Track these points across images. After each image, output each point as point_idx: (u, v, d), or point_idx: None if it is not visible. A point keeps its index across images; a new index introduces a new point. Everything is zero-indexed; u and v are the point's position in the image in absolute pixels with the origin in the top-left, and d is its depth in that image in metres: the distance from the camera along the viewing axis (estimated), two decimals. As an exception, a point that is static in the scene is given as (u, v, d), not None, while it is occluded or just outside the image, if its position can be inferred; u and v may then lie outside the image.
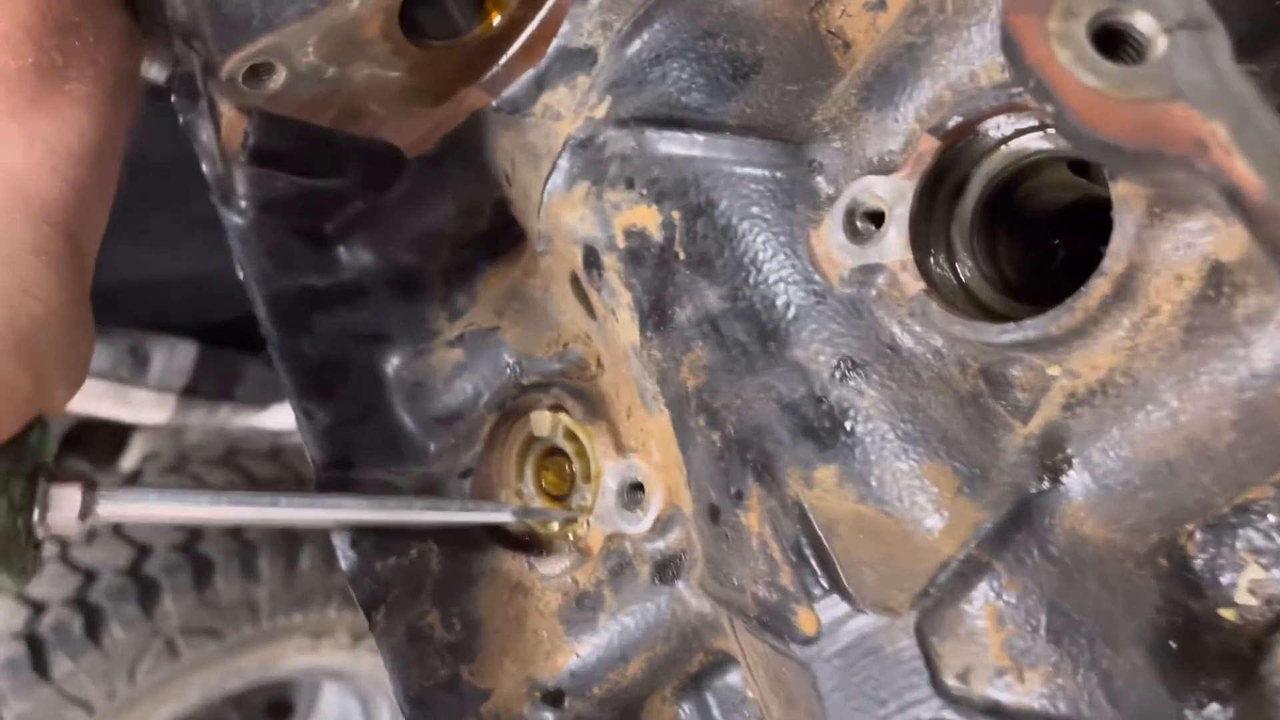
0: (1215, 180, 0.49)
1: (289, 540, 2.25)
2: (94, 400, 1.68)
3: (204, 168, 0.91)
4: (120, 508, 0.74)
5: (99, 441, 2.64)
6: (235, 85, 0.76)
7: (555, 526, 0.88)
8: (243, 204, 0.92)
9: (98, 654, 2.02)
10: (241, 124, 0.85)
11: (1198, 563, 0.66)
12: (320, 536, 2.10)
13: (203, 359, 1.72)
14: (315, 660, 2.35)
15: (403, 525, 0.85)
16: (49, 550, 2.12)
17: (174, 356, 1.69)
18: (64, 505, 0.71)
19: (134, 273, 1.55)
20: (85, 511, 0.71)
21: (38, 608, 2.03)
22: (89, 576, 2.08)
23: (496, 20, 0.82)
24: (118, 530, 2.17)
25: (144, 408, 1.72)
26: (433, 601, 0.86)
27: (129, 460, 2.74)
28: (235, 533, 2.21)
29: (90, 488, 0.72)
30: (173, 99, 0.92)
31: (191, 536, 2.17)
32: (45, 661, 2.00)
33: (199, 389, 1.74)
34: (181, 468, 2.41)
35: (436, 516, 0.84)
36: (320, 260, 0.94)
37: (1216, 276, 0.59)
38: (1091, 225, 0.77)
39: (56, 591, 2.06)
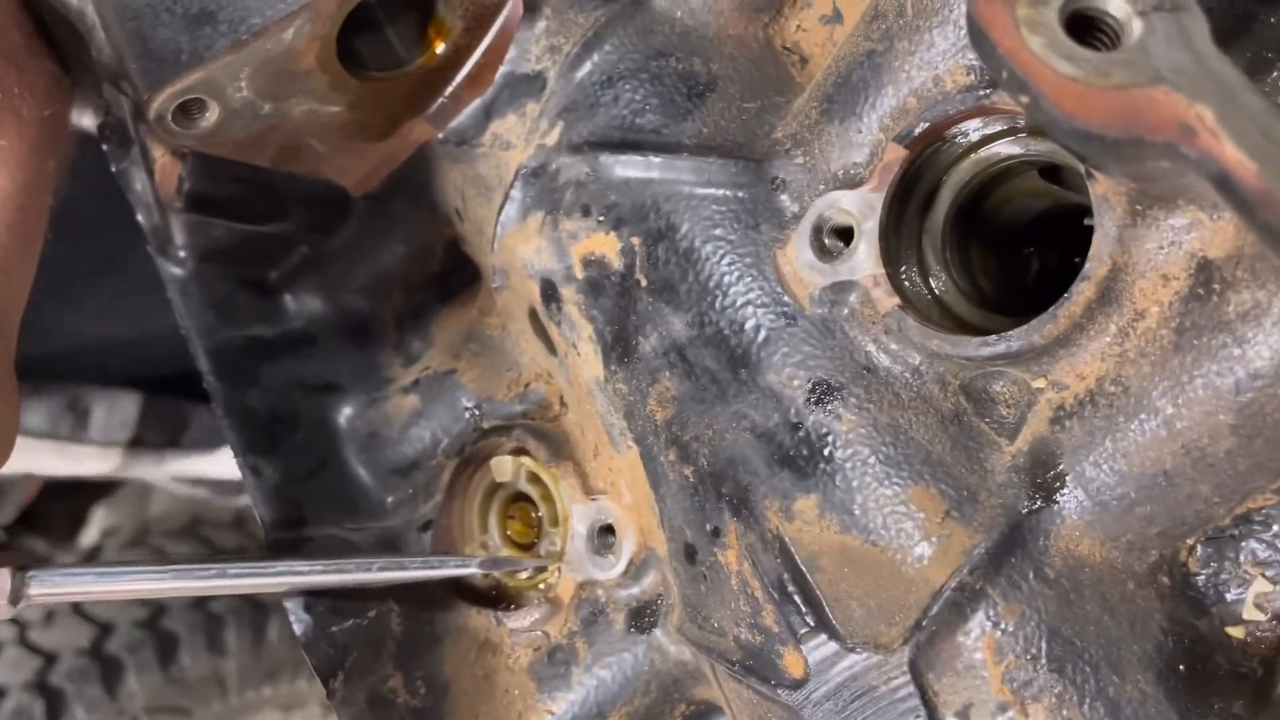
0: (1203, 167, 0.46)
1: (256, 611, 2.19)
2: (33, 457, 1.63)
3: (139, 218, 0.87)
4: (54, 589, 0.69)
5: (56, 517, 2.57)
6: (165, 125, 0.73)
7: (524, 576, 0.83)
8: (181, 254, 0.88)
9: (62, 740, 1.95)
10: (176, 168, 0.81)
11: (1201, 579, 0.62)
12: (287, 604, 2.04)
13: (146, 409, 1.67)
14: (288, 734, 2.28)
15: (361, 586, 0.80)
16: (6, 633, 2.05)
17: (116, 409, 1.64)
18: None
19: (70, 340, 1.50)
20: (16, 596, 0.66)
21: (-3, 694, 1.96)
22: (49, 659, 2.02)
23: (440, 48, 0.79)
24: (77, 609, 2.10)
25: (86, 461, 1.67)
26: (395, 664, 0.81)
27: (89, 535, 2.67)
28: (200, 605, 2.15)
29: (21, 569, 0.67)
30: (104, 147, 0.88)
31: (155, 612, 2.11)
32: None
33: (144, 439, 1.69)
34: (142, 540, 2.35)
35: (397, 575, 0.79)
36: (265, 309, 0.90)
37: (1205, 274, 0.56)
38: (1066, 233, 0.75)
39: (16, 676, 1.99)
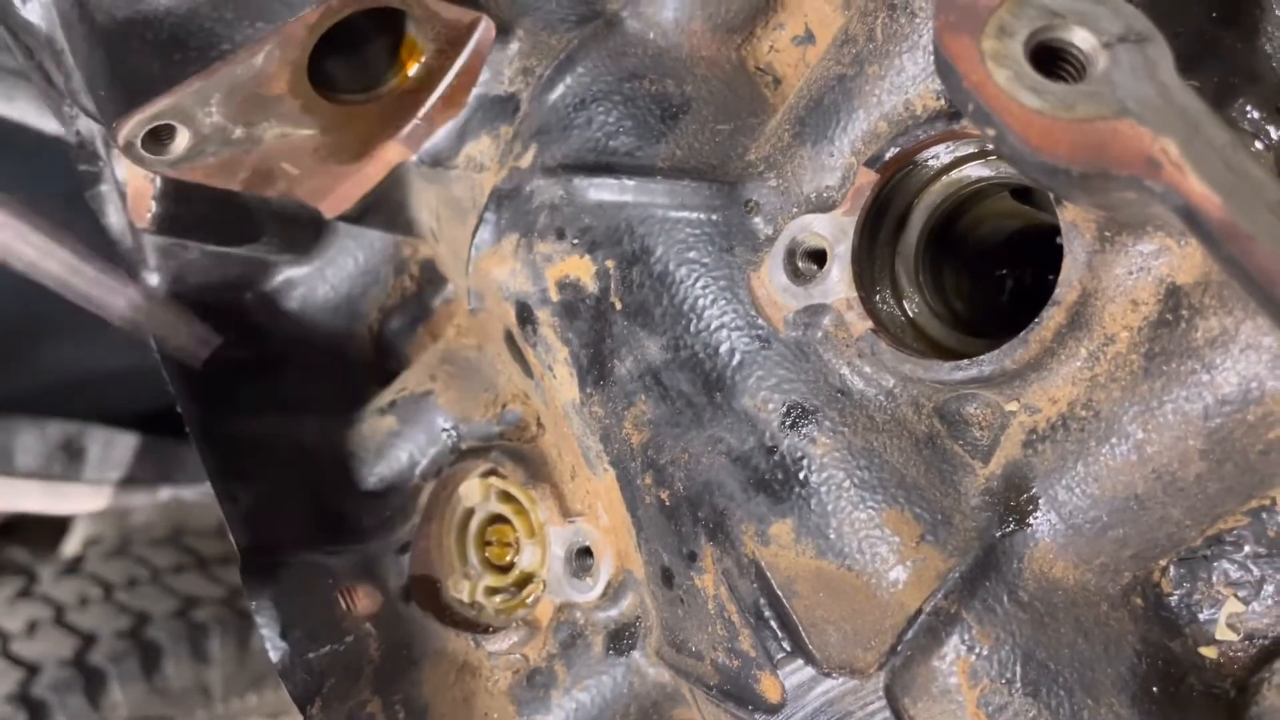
0: (1169, 200, 0.46)
1: (241, 619, 2.18)
2: (23, 498, 1.62)
3: (111, 240, 0.87)
4: None
5: (38, 527, 2.55)
6: (135, 151, 0.72)
7: (496, 601, 0.82)
8: (154, 278, 0.87)
9: (45, 751, 1.94)
10: (147, 192, 0.80)
11: (1173, 600, 0.63)
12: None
13: (142, 449, 1.66)
14: (275, 742, 2.27)
15: None
16: (-10, 645, 2.04)
17: (112, 449, 1.63)
18: None
19: (71, 367, 1.49)
20: None
21: (-21, 707, 1.95)
22: (31, 670, 2.00)
23: (412, 71, 0.78)
24: (60, 619, 2.09)
25: (78, 500, 1.66)
26: (373, 689, 0.80)
27: (70, 546, 2.65)
28: (184, 615, 2.14)
29: None
30: (79, 170, 0.87)
31: (138, 622, 2.10)
32: None
33: (137, 477, 1.69)
34: (125, 550, 2.34)
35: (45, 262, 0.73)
36: (240, 332, 0.89)
37: (1174, 300, 0.56)
38: (1039, 254, 0.75)
39: (-2, 688, 1.98)
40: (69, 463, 1.61)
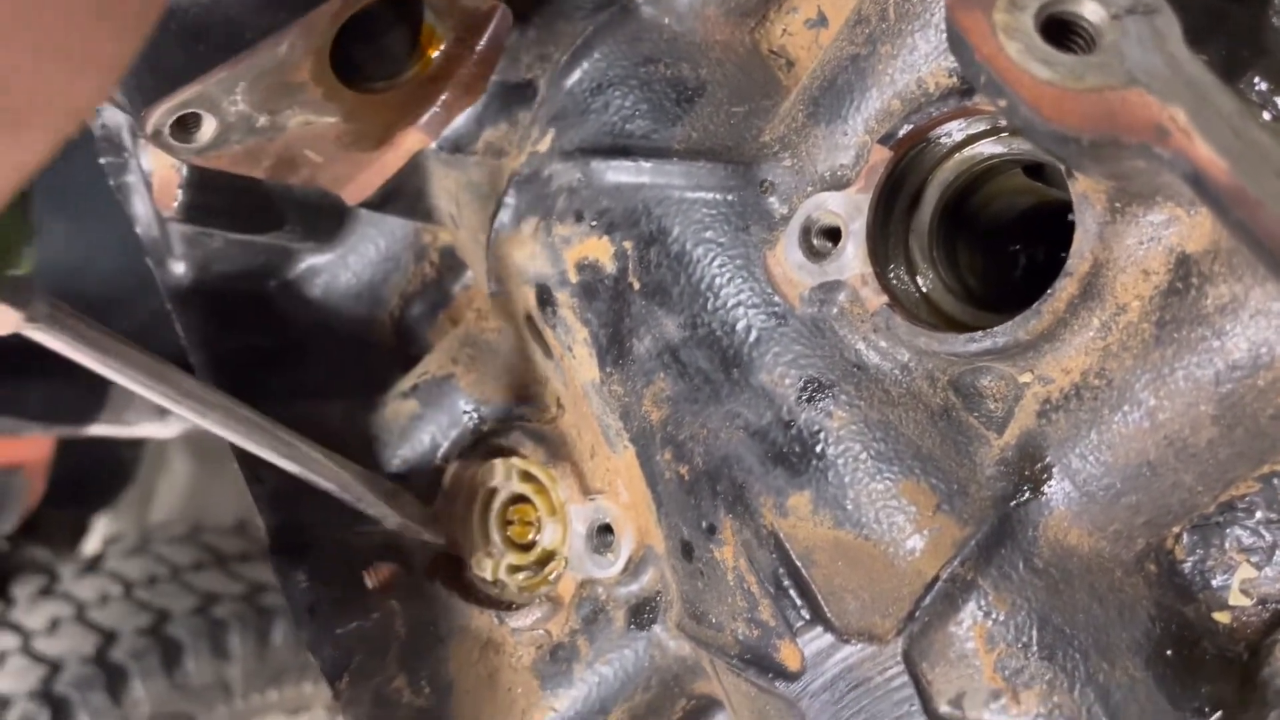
0: (1177, 166, 0.47)
1: (260, 615, 2.20)
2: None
3: (138, 230, 0.88)
4: (53, 335, 0.64)
5: (58, 526, 2.57)
6: (163, 139, 0.73)
7: (519, 578, 0.84)
8: (180, 266, 0.89)
9: (67, 747, 1.96)
10: (174, 181, 0.82)
11: (1187, 566, 0.64)
12: (292, 609, 2.06)
13: None
14: (294, 737, 2.29)
15: (300, 475, 0.77)
16: (10, 643, 2.06)
17: None
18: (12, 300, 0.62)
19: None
20: (30, 313, 0.62)
21: (2, 703, 1.97)
22: (54, 668, 2.02)
23: (431, 59, 0.80)
24: (82, 617, 2.11)
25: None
26: (399, 665, 0.82)
27: (91, 544, 2.68)
28: (204, 611, 2.16)
29: (43, 304, 0.63)
30: (101, 162, 0.89)
31: (158, 619, 2.12)
32: None
33: None
34: (145, 548, 2.36)
35: (322, 475, 0.77)
36: (263, 319, 0.91)
37: (1184, 268, 0.57)
38: (1051, 230, 0.76)
39: (20, 685, 2.00)
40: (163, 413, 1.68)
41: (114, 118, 0.88)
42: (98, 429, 1.68)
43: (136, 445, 2.60)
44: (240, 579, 2.27)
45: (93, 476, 2.56)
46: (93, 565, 2.27)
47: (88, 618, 2.10)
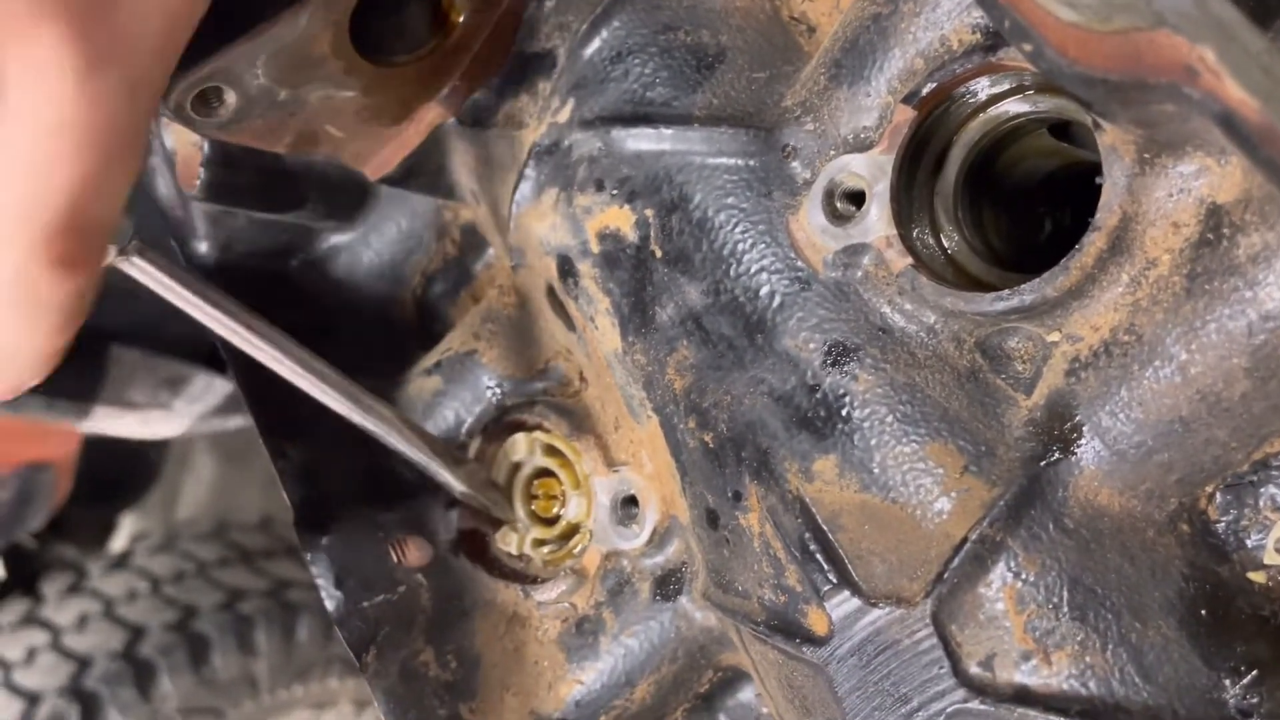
0: (1206, 107, 0.47)
1: (285, 611, 2.21)
2: (122, 426, 1.68)
3: (162, 209, 0.89)
4: (149, 267, 0.69)
5: (86, 523, 2.59)
6: (185, 114, 0.74)
7: (544, 552, 0.84)
8: (203, 245, 0.89)
9: (97, 741, 1.98)
10: (196, 158, 0.82)
11: (1220, 525, 0.63)
12: (317, 605, 2.07)
13: (236, 394, 1.72)
14: (320, 732, 2.30)
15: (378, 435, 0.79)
16: (39, 639, 2.07)
17: (210, 390, 1.68)
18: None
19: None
20: (124, 247, 0.66)
21: (33, 699, 1.99)
22: (83, 664, 2.05)
23: (450, 31, 0.80)
24: (110, 613, 2.13)
25: (159, 425, 1.72)
26: (426, 639, 0.82)
27: (119, 541, 2.70)
28: (230, 607, 2.17)
29: (136, 242, 0.67)
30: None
31: (185, 615, 2.13)
32: None
33: (219, 411, 1.74)
34: (171, 545, 2.38)
35: (388, 435, 0.79)
36: (286, 298, 0.91)
37: (1215, 219, 0.56)
38: (1077, 191, 0.75)
39: (51, 681, 2.02)
40: (168, 398, 1.67)
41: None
42: (102, 414, 1.68)
43: (162, 444, 2.62)
44: (266, 575, 2.29)
45: (119, 474, 2.58)
46: (120, 562, 2.30)
47: (116, 614, 2.12)
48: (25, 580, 2.27)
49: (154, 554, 2.34)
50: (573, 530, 0.83)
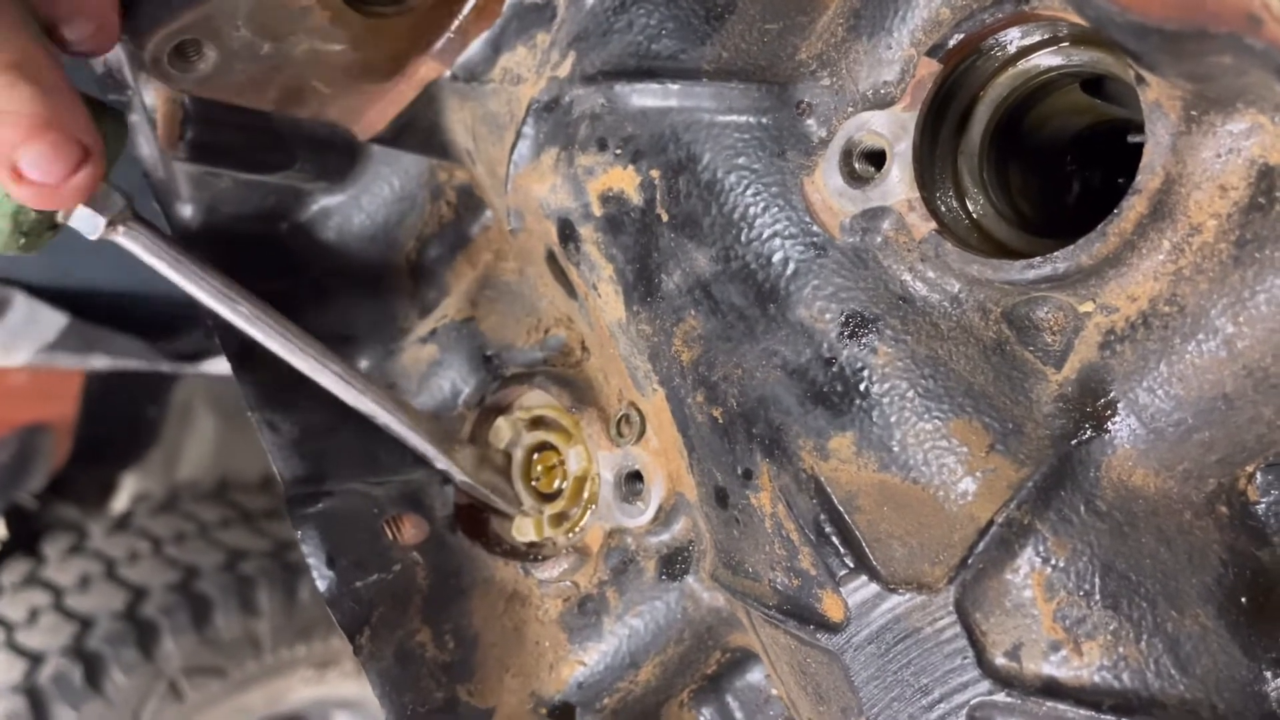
0: (1270, 59, 0.43)
1: (287, 571, 2.21)
2: None
3: (144, 170, 0.85)
4: (133, 240, 0.71)
5: (86, 484, 2.58)
6: (162, 68, 0.70)
7: (564, 529, 0.81)
8: (187, 208, 0.85)
9: (100, 701, 1.99)
10: (177, 116, 0.78)
11: (1261, 507, 0.59)
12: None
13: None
14: (323, 691, 2.31)
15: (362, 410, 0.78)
16: (42, 600, 2.07)
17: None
18: (102, 206, 0.70)
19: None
20: (111, 221, 0.70)
21: (35, 659, 2.00)
22: (85, 624, 2.05)
23: (444, -22, 0.75)
24: (112, 574, 2.13)
25: None
26: (422, 618, 0.79)
27: (120, 501, 2.69)
28: (232, 567, 2.17)
29: (132, 213, 0.71)
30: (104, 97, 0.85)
31: (187, 576, 2.13)
32: (47, 714, 1.97)
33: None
34: (173, 505, 2.37)
35: (387, 420, 0.78)
36: (275, 262, 0.87)
37: (1267, 181, 0.52)
38: (1109, 153, 0.71)
39: (54, 641, 2.02)
40: None
41: (116, 55, 0.83)
42: None
43: (162, 403, 2.60)
44: (267, 535, 2.29)
45: (120, 435, 2.56)
46: (122, 523, 2.29)
47: (118, 574, 2.13)
48: (27, 541, 2.27)
49: (155, 514, 2.34)
50: (579, 492, 0.80)
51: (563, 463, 0.81)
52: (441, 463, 0.79)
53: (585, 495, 0.79)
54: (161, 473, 2.87)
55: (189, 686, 2.07)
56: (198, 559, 2.16)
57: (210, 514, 2.33)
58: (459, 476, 0.80)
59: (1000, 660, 0.58)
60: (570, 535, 0.79)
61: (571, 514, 0.80)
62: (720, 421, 0.68)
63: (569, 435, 0.80)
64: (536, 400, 0.82)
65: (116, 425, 2.48)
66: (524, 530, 0.81)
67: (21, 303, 1.60)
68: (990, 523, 0.58)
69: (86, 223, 0.70)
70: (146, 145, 0.86)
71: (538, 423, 0.81)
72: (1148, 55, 0.47)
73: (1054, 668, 0.57)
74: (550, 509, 0.81)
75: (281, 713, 2.30)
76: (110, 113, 0.71)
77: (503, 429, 0.82)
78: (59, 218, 0.70)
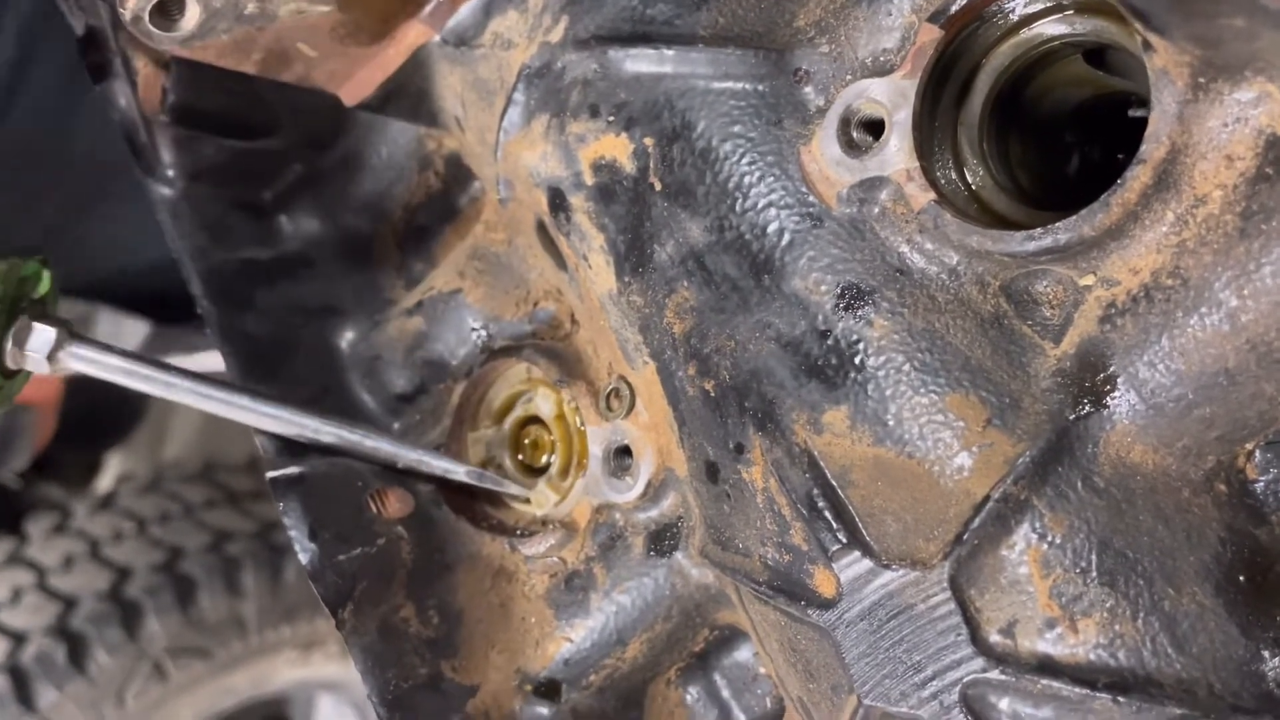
0: (1284, 20, 0.41)
1: (273, 552, 2.20)
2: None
3: (124, 134, 0.83)
4: (85, 361, 0.73)
5: (71, 463, 2.56)
6: (143, 26, 0.68)
7: (569, 503, 0.79)
8: (170, 173, 0.83)
9: (84, 681, 1.98)
10: (159, 79, 0.76)
11: (1259, 485, 0.58)
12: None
13: (152, 337, 1.66)
14: (307, 672, 2.30)
15: (357, 453, 0.78)
16: (25, 579, 2.06)
17: (119, 332, 1.63)
18: (37, 343, 0.72)
19: (103, 253, 1.49)
20: (53, 353, 0.72)
21: (19, 639, 1.98)
22: (69, 604, 2.04)
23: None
24: (96, 554, 2.11)
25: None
26: (406, 594, 0.78)
27: (104, 481, 2.67)
28: (217, 548, 2.16)
29: (69, 335, 0.72)
30: (85, 60, 0.83)
31: (172, 556, 2.12)
32: (30, 693, 1.95)
33: None
34: (157, 486, 2.36)
35: (385, 450, 0.78)
36: (260, 231, 0.86)
37: (1275, 152, 0.51)
38: (1110, 126, 0.70)
39: (37, 621, 2.01)
40: None
41: (95, 8, 0.81)
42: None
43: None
44: (252, 516, 2.28)
45: (105, 414, 2.54)
46: (106, 503, 2.28)
47: (102, 554, 2.11)
48: (10, 520, 2.25)
49: (140, 495, 2.33)
50: (569, 460, 0.78)
51: (552, 445, 0.79)
52: (442, 464, 0.79)
53: (574, 460, 0.78)
54: (146, 453, 2.85)
55: (173, 667, 2.06)
56: (182, 539, 2.15)
57: (195, 494, 2.31)
58: (462, 470, 0.79)
59: (995, 637, 0.57)
60: (559, 506, 0.78)
61: (562, 486, 0.79)
62: (712, 395, 0.67)
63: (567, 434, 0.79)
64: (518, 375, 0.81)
65: (101, 404, 2.46)
66: (543, 501, 0.80)
67: (106, 318, 1.61)
68: (986, 498, 0.57)
69: (40, 365, 0.72)
70: (127, 106, 0.84)
71: (509, 406, 0.81)
72: (1157, 17, 0.46)
73: (1049, 645, 0.56)
74: (550, 491, 0.80)
75: (266, 694, 2.29)
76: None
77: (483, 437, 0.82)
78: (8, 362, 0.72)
